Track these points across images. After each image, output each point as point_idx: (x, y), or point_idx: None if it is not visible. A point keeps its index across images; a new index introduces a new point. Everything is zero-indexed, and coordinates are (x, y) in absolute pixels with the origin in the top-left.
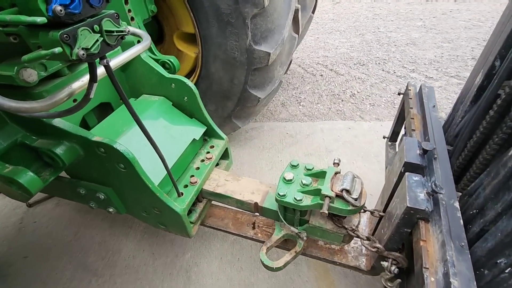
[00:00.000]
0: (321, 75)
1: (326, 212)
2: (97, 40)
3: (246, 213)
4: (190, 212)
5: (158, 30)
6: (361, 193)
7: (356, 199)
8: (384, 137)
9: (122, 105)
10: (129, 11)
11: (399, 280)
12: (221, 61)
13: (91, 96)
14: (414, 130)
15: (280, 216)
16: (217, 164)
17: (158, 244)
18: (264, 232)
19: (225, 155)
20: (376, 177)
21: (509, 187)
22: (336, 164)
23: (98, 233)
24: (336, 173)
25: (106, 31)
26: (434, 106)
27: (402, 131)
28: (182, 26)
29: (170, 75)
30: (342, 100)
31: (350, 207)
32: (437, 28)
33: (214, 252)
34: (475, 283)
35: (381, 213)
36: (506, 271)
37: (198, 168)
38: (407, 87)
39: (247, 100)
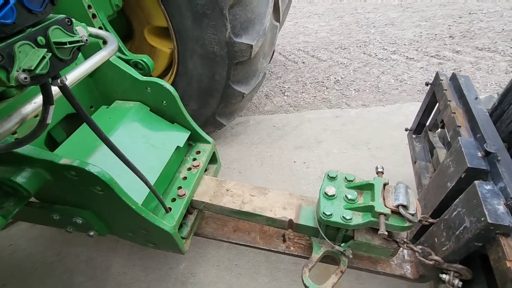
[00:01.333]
0: (303, 62)
1: (386, 233)
2: (44, 57)
3: None
4: (181, 226)
5: (127, 25)
6: (416, 206)
7: (413, 215)
8: (406, 129)
9: (93, 115)
10: (89, 7)
11: None
12: (200, 56)
13: (48, 121)
14: (459, 126)
15: (322, 233)
16: (205, 170)
17: (150, 256)
18: (297, 245)
19: (213, 159)
20: (368, 165)
21: None
22: (381, 173)
23: (84, 250)
24: (384, 185)
25: (56, 43)
26: (476, 98)
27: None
28: (152, 19)
29: (144, 77)
30: (326, 88)
31: (407, 223)
32: (413, 7)
33: (210, 259)
34: None
35: (430, 220)
36: None
37: (185, 178)
38: (437, 77)
39: (231, 96)
